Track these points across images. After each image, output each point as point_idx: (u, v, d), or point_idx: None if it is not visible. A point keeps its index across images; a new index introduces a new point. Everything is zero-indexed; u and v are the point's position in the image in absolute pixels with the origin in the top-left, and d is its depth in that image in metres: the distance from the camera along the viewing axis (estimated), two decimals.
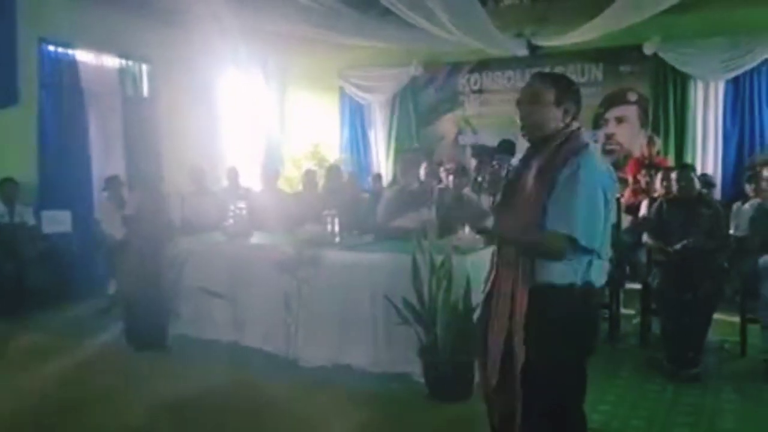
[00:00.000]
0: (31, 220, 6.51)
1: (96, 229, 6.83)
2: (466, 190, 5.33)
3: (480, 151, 4.44)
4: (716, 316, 4.51)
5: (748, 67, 7.50)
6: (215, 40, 7.56)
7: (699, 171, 6.88)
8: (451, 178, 5.67)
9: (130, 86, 8.04)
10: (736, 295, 4.83)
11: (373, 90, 9.67)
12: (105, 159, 7.60)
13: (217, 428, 3.70)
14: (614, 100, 8.38)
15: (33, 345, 5.25)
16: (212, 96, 9.13)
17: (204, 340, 5.04)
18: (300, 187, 7.36)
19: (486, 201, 3.59)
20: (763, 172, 4.81)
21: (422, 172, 5.71)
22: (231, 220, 5.43)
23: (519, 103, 2.40)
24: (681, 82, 7.95)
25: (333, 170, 6.93)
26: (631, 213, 6.26)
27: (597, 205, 2.21)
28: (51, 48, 7.01)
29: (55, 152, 7.00)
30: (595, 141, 8.25)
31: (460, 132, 9.29)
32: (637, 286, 5.31)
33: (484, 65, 8.99)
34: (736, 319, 4.76)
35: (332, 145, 9.87)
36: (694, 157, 7.81)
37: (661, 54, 7.90)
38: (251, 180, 7.96)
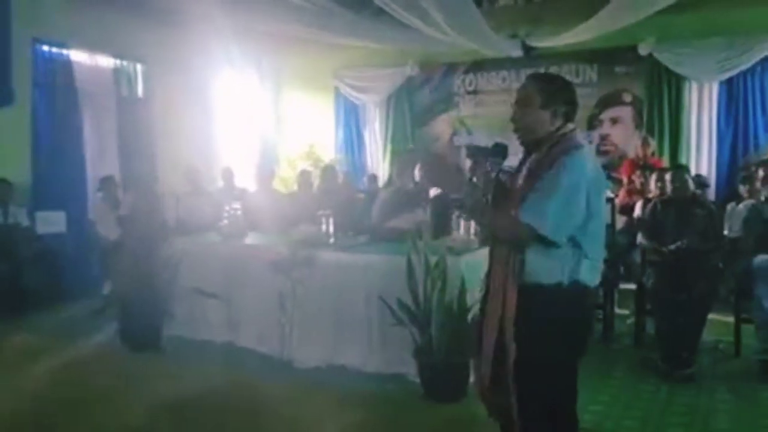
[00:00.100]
0: (25, 221, 6.49)
1: (90, 230, 6.81)
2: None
3: (474, 152, 4.42)
4: (710, 316, 4.51)
5: (743, 68, 7.53)
6: (210, 41, 7.55)
7: (693, 172, 6.90)
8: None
9: (124, 86, 8.03)
10: (731, 295, 4.85)
11: (368, 90, 9.68)
12: (99, 159, 7.58)
13: (211, 429, 3.70)
14: (609, 101, 8.40)
15: (27, 346, 5.23)
16: (207, 96, 9.12)
17: (199, 340, 5.04)
18: (295, 188, 7.35)
19: None
20: (758, 172, 4.82)
21: (417, 173, 5.72)
22: (226, 221, 5.42)
23: (514, 105, 2.42)
24: (675, 83, 7.97)
25: (328, 171, 6.93)
26: (625, 214, 6.28)
27: (571, 203, 2.20)
28: (45, 48, 7.01)
29: (49, 153, 6.98)
30: (590, 142, 8.27)
31: (455, 133, 9.30)
32: (632, 286, 5.32)
33: (478, 66, 9.00)
34: (731, 319, 4.77)
35: (327, 146, 9.88)
36: (688, 158, 7.83)
37: (655, 55, 7.93)
38: (246, 180, 7.95)
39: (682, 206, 4.84)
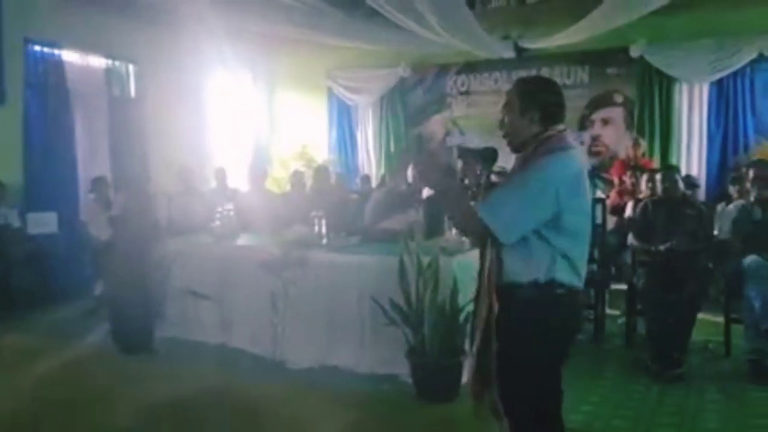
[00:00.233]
0: (16, 222, 6.46)
1: (82, 231, 6.79)
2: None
3: (464, 154, 4.44)
4: (700, 316, 4.54)
5: (732, 69, 7.59)
6: (203, 41, 7.54)
7: (683, 172, 6.95)
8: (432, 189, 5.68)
9: (116, 86, 8.02)
10: (720, 295, 4.88)
11: (361, 91, 9.69)
12: (91, 160, 7.57)
13: (205, 430, 3.70)
14: (600, 102, 8.44)
15: (19, 346, 5.22)
16: (200, 96, 9.12)
17: (192, 341, 5.03)
18: (288, 188, 7.35)
19: None
20: (748, 173, 4.85)
21: (410, 173, 5.73)
22: (218, 222, 5.41)
23: (501, 110, 2.45)
24: (666, 84, 8.03)
25: (321, 171, 6.93)
26: (616, 214, 6.32)
27: (529, 203, 2.21)
28: (37, 48, 6.98)
29: (40, 153, 6.95)
30: (581, 143, 8.32)
31: (448, 133, 9.32)
32: (623, 286, 5.34)
33: (471, 67, 9.03)
34: (720, 319, 4.80)
35: (320, 146, 9.88)
36: (678, 159, 7.88)
37: (646, 56, 7.98)
38: (239, 181, 7.94)
39: (673, 207, 4.88)
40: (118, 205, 6.33)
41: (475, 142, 8.38)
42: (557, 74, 8.51)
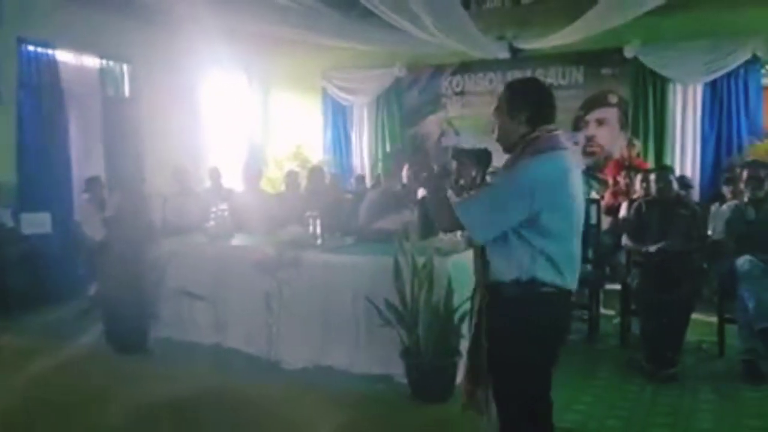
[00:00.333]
0: (9, 222, 6.43)
1: (76, 231, 6.77)
2: (449, 193, 5.35)
3: (458, 155, 4.47)
4: (694, 316, 4.56)
5: (726, 70, 7.61)
6: (197, 41, 7.53)
7: (677, 173, 6.97)
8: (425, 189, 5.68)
9: (110, 86, 7.99)
10: (714, 295, 4.90)
11: (356, 91, 9.69)
12: (85, 160, 7.54)
13: (200, 430, 3.69)
14: (595, 102, 8.46)
15: (13, 347, 5.20)
16: (194, 96, 9.10)
17: (186, 342, 5.02)
18: (282, 188, 7.34)
19: None
20: (742, 174, 4.87)
21: (404, 174, 5.72)
22: (212, 222, 5.41)
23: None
24: (660, 85, 8.05)
25: (315, 171, 6.92)
26: (611, 214, 6.33)
27: (503, 204, 2.26)
28: (30, 48, 6.94)
29: (34, 153, 6.92)
30: (576, 143, 8.33)
31: (443, 133, 9.32)
32: (618, 286, 5.36)
33: (466, 67, 9.03)
34: (714, 319, 4.81)
35: (315, 147, 9.87)
36: (672, 159, 7.90)
37: (641, 57, 8.00)
38: (234, 181, 7.93)
39: (666, 207, 4.90)
40: (112, 205, 6.32)
41: (470, 142, 8.36)
42: (552, 75, 8.53)
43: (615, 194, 6.87)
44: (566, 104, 8.37)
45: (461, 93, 9.17)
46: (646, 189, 5.42)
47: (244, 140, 9.93)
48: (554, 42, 7.38)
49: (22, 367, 4.63)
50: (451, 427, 3.64)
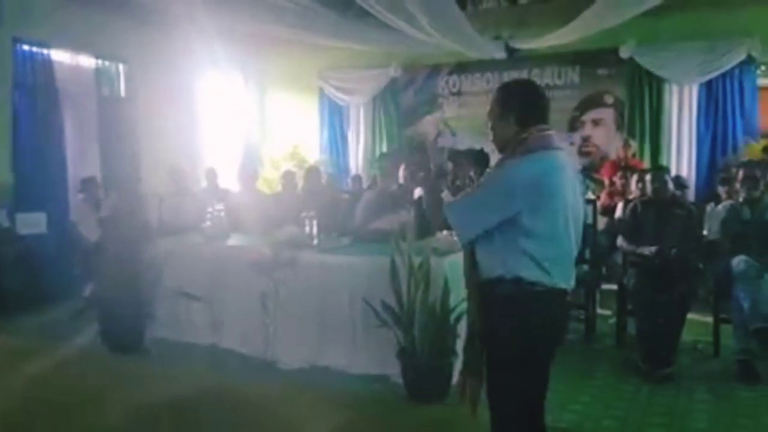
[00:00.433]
0: (5, 222, 6.42)
1: (72, 231, 6.75)
2: (445, 194, 5.35)
3: (455, 156, 4.50)
4: (690, 316, 4.56)
5: (722, 71, 7.63)
6: (194, 41, 7.52)
7: (673, 173, 6.99)
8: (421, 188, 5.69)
9: (106, 86, 7.98)
10: (710, 295, 4.91)
11: (353, 91, 9.68)
12: (81, 160, 7.51)
13: (196, 431, 3.69)
14: (591, 102, 8.46)
15: (8, 347, 5.19)
16: (191, 96, 9.08)
17: (183, 342, 5.01)
18: (279, 189, 7.34)
19: None
20: (738, 174, 4.89)
21: (401, 174, 5.72)
22: (209, 222, 5.40)
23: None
24: (656, 85, 8.07)
25: (312, 171, 6.92)
26: (607, 215, 6.34)
27: (484, 204, 2.32)
28: (26, 47, 6.93)
29: (29, 153, 6.90)
30: (572, 143, 8.35)
31: (439, 134, 9.32)
32: (614, 286, 5.36)
33: (462, 67, 9.03)
34: (710, 319, 4.83)
35: (312, 147, 9.87)
36: (668, 160, 7.92)
37: (636, 58, 8.01)
38: (230, 181, 7.92)
39: (662, 207, 4.91)
40: (108, 205, 6.31)
41: (467, 143, 8.41)
42: (548, 75, 8.54)
43: (611, 194, 6.88)
44: (562, 104, 8.39)
45: (458, 93, 9.18)
46: (642, 189, 5.44)
47: (241, 140, 9.92)
48: (550, 42, 7.39)
49: (18, 367, 4.62)
50: (447, 427, 3.64)
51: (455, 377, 3.78)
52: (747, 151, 7.16)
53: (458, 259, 4.01)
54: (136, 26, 7.66)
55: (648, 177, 5.14)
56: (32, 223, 6.55)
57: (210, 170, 7.43)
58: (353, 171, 9.54)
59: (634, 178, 5.94)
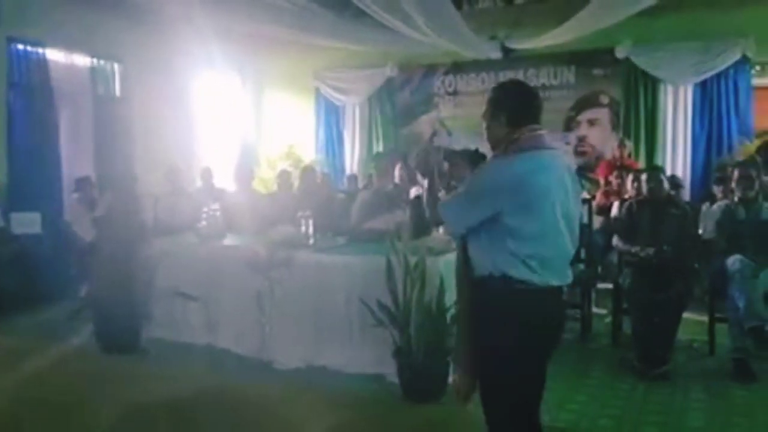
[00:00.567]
0: (0, 222, 6.39)
1: (67, 231, 6.73)
2: (442, 193, 5.36)
3: (450, 156, 4.50)
4: (685, 315, 4.58)
5: (716, 71, 7.65)
6: (190, 41, 7.50)
7: (668, 173, 7.00)
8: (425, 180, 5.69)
9: (101, 85, 7.96)
10: (705, 295, 4.92)
11: (349, 91, 9.68)
12: (75, 159, 7.49)
13: (193, 431, 3.68)
14: (586, 102, 8.48)
15: (4, 347, 5.17)
16: (187, 96, 9.06)
17: (179, 342, 4.99)
18: (275, 188, 7.33)
19: None
20: (733, 173, 4.90)
21: (396, 174, 5.73)
22: (204, 222, 5.39)
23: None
24: (651, 85, 8.09)
25: (307, 171, 6.91)
26: (602, 214, 6.35)
27: (468, 202, 2.38)
28: (20, 47, 6.91)
29: (24, 153, 6.89)
30: (567, 143, 8.36)
31: (435, 133, 9.31)
32: (610, 285, 5.37)
33: (458, 67, 9.04)
34: (705, 318, 4.84)
35: (308, 146, 9.87)
36: (663, 159, 7.94)
37: (632, 58, 8.03)
38: (226, 181, 7.91)
39: (658, 206, 4.92)
40: (103, 205, 6.29)
41: (462, 142, 8.39)
42: (544, 75, 8.56)
43: (606, 194, 6.89)
44: (558, 104, 8.40)
45: (453, 93, 9.18)
46: (638, 189, 5.44)
47: (237, 140, 9.91)
48: (546, 42, 7.40)
49: (13, 367, 4.59)
50: (443, 427, 3.64)
51: (451, 376, 3.78)
52: (742, 151, 7.18)
53: (454, 258, 4.02)
54: (132, 25, 7.64)
55: (643, 177, 5.16)
56: (27, 223, 6.52)
57: (206, 170, 7.41)
58: (349, 171, 9.54)
59: (630, 177, 5.95)
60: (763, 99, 7.73)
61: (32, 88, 7.02)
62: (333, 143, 9.93)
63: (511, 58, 8.42)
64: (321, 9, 6.87)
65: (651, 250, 4.72)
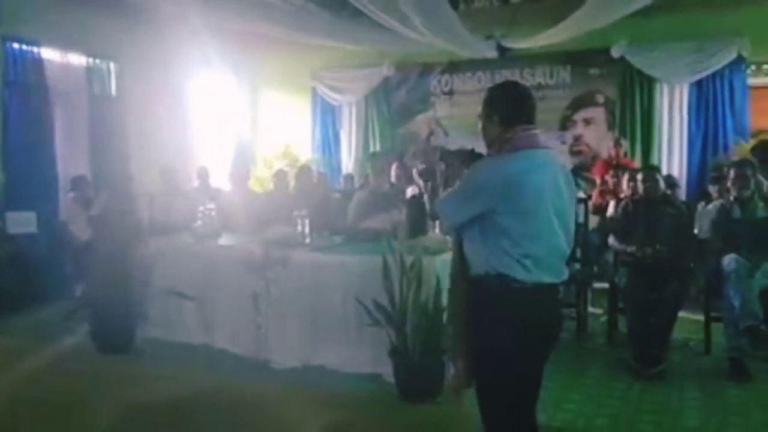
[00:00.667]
0: None
1: (63, 230, 6.71)
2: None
3: (446, 156, 4.51)
4: (681, 314, 4.59)
5: (712, 70, 7.66)
6: (186, 41, 7.48)
7: (664, 172, 7.00)
8: (422, 180, 5.70)
9: (97, 85, 7.93)
10: (701, 294, 4.93)
11: (345, 90, 9.67)
12: (71, 159, 7.48)
13: (190, 431, 3.68)
14: (582, 102, 8.48)
15: (0, 347, 5.15)
16: (183, 95, 9.05)
17: (175, 342, 4.99)
18: (271, 187, 7.32)
19: None
20: (729, 173, 4.92)
21: (393, 173, 5.72)
22: (200, 221, 5.38)
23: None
24: (647, 84, 8.09)
25: (304, 170, 6.91)
26: (598, 214, 6.36)
27: (459, 200, 2.44)
28: (15, 46, 6.89)
29: (19, 152, 6.86)
30: (563, 142, 8.37)
31: (431, 133, 9.32)
32: (605, 285, 5.38)
33: (454, 67, 9.03)
34: (701, 317, 4.85)
35: (304, 146, 9.85)
36: (659, 159, 7.95)
37: (628, 57, 8.03)
38: (222, 180, 7.90)
39: (653, 206, 4.93)
40: (99, 204, 6.27)
41: (459, 142, 8.41)
42: (540, 74, 8.56)
43: (602, 193, 6.89)
44: (554, 104, 8.41)
45: (450, 92, 9.17)
46: (634, 188, 5.45)
47: (233, 139, 9.89)
48: (542, 41, 7.40)
49: (10, 367, 4.58)
50: (440, 426, 3.65)
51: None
52: (737, 151, 7.19)
53: (450, 257, 4.03)
54: (128, 25, 7.62)
55: (639, 176, 5.17)
56: (22, 222, 6.51)
57: (202, 169, 7.41)
58: (345, 170, 9.52)
59: (626, 177, 5.96)
60: (758, 98, 7.74)
61: (28, 87, 7.00)
62: (329, 142, 9.91)
63: (507, 57, 8.41)
64: (318, 9, 6.86)
65: (647, 250, 4.73)
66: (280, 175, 7.00)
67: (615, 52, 8.04)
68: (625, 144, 7.74)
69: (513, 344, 2.31)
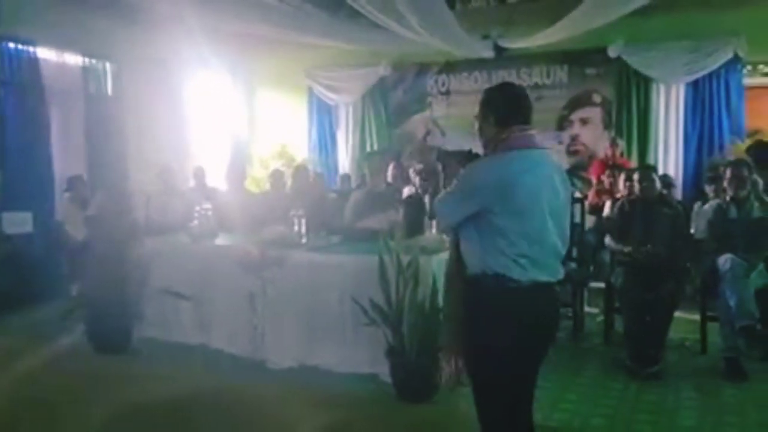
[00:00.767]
0: None
1: (59, 230, 6.70)
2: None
3: (443, 157, 4.52)
4: (677, 314, 4.60)
5: (709, 70, 7.68)
6: (182, 40, 7.47)
7: (660, 172, 7.01)
8: (418, 179, 5.71)
9: (93, 84, 7.91)
10: (697, 294, 4.94)
11: (342, 90, 9.66)
12: (67, 159, 7.45)
13: (186, 430, 3.68)
14: (579, 101, 8.49)
15: None
16: (179, 95, 9.03)
17: (171, 342, 4.98)
18: (267, 187, 7.31)
19: None
20: (726, 173, 4.93)
21: (390, 173, 5.72)
22: (196, 221, 5.37)
23: None
24: (644, 84, 8.10)
25: (300, 170, 6.90)
26: (595, 213, 6.36)
27: (455, 200, 2.46)
28: (11, 45, 6.86)
29: (15, 152, 6.83)
30: (560, 142, 8.38)
31: (428, 133, 9.32)
32: (602, 284, 5.39)
33: (451, 67, 9.03)
34: (697, 317, 4.86)
35: (300, 145, 9.85)
36: (655, 159, 7.96)
37: (624, 57, 8.04)
38: (218, 180, 7.88)
39: (650, 206, 4.94)
40: (95, 204, 6.26)
41: (456, 142, 8.42)
42: (536, 74, 8.57)
43: (599, 193, 6.90)
44: (550, 103, 8.42)
45: (446, 93, 9.17)
46: (630, 188, 5.46)
47: (229, 139, 9.88)
48: (539, 41, 7.40)
49: (6, 367, 4.57)
50: (435, 427, 3.65)
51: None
52: (733, 150, 7.20)
53: (446, 257, 4.03)
54: (124, 25, 7.60)
55: (636, 176, 5.17)
56: (18, 222, 6.50)
57: (198, 169, 7.39)
58: (342, 170, 9.51)
59: (622, 176, 5.96)
60: (754, 98, 7.75)
61: (23, 87, 6.97)
62: (326, 142, 9.91)
63: (503, 57, 8.41)
64: (315, 9, 6.85)
65: (643, 250, 4.74)
66: (276, 175, 6.98)
67: (612, 52, 8.05)
68: (622, 144, 7.76)
69: (510, 344, 2.32)
